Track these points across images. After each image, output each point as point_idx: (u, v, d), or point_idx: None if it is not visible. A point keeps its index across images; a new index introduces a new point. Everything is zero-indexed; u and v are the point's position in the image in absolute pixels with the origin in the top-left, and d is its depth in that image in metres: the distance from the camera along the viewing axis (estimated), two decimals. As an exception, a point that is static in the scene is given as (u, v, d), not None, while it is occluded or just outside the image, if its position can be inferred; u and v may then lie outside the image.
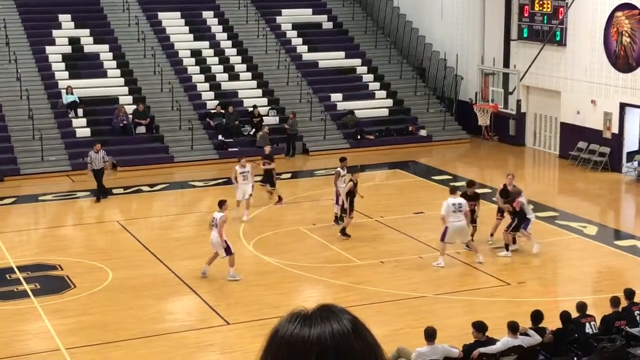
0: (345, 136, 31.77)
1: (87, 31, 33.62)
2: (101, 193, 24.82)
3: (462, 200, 18.81)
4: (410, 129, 32.43)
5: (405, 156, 29.96)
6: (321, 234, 21.26)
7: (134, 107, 30.52)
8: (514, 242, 19.74)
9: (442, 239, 18.73)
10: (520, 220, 19.29)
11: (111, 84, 32.00)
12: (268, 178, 23.83)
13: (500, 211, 19.93)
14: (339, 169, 22.06)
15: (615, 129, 27.82)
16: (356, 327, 1.83)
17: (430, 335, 12.87)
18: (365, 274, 18.50)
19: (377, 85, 34.38)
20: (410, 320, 15.83)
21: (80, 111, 30.43)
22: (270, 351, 1.83)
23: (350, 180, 20.94)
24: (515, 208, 19.22)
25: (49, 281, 18.31)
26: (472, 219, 19.95)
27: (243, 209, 22.28)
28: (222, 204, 18.31)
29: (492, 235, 20.26)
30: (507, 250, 19.45)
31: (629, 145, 27.60)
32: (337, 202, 22.02)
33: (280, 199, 23.70)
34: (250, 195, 22.38)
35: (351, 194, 20.68)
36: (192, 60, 33.61)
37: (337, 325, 1.81)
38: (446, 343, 13.14)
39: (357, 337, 1.81)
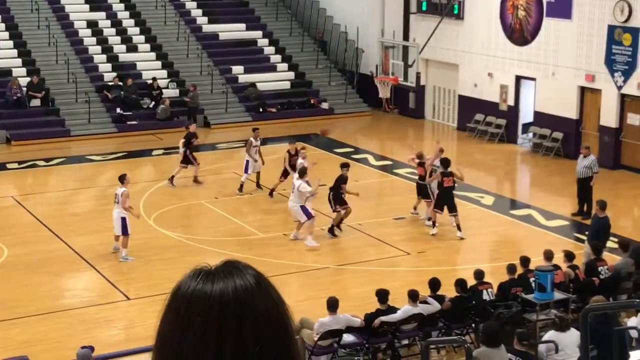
0: (247, 109, 31.58)
1: (-23, 0, 32.40)
2: None
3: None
4: (312, 101, 32.47)
5: (308, 129, 29.98)
6: (223, 207, 21.13)
7: (28, 79, 29.59)
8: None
9: (310, 217, 18.42)
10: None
11: (4, 56, 30.91)
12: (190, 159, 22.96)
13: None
14: (251, 138, 22.24)
15: (511, 102, 28.48)
16: (259, 282, 1.81)
17: (332, 305, 12.98)
18: (269, 246, 18.49)
19: (278, 57, 34.24)
20: (314, 291, 15.92)
21: (-29, 83, 29.36)
22: (172, 308, 1.80)
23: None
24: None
25: (-60, 259, 17.67)
26: (344, 201, 19.23)
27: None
28: (122, 178, 18.01)
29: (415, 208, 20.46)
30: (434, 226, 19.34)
31: (524, 117, 28.31)
32: (245, 171, 22.08)
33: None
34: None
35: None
36: (89, 32, 32.74)
37: (240, 280, 1.78)
38: (348, 313, 13.27)
39: (260, 292, 1.79)
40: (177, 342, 1.75)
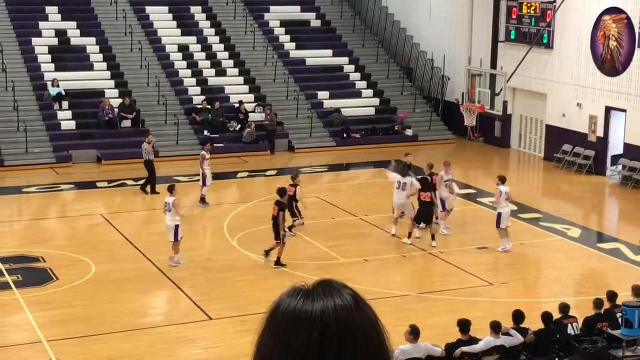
0: (331, 134, 31.76)
1: (74, 24, 33.46)
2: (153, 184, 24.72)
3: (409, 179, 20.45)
4: (396, 128, 32.46)
5: (391, 155, 29.85)
6: (305, 231, 21.23)
7: (120, 101, 30.39)
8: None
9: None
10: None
11: (97, 77, 31.86)
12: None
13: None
14: (203, 152, 23.67)
15: (600, 133, 27.93)
16: (357, 302, 1.84)
17: (413, 333, 12.88)
18: (349, 271, 18.49)
19: (364, 84, 34.39)
20: (393, 319, 15.81)
21: (65, 104, 30.28)
22: (271, 326, 1.81)
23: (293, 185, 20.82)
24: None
25: (32, 273, 18.21)
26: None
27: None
28: (172, 189, 19.01)
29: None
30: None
31: (614, 149, 27.72)
32: (204, 184, 23.30)
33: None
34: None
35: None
36: (180, 56, 33.51)
37: (340, 300, 1.81)
38: (428, 342, 13.16)
39: (359, 311, 1.82)
40: None
